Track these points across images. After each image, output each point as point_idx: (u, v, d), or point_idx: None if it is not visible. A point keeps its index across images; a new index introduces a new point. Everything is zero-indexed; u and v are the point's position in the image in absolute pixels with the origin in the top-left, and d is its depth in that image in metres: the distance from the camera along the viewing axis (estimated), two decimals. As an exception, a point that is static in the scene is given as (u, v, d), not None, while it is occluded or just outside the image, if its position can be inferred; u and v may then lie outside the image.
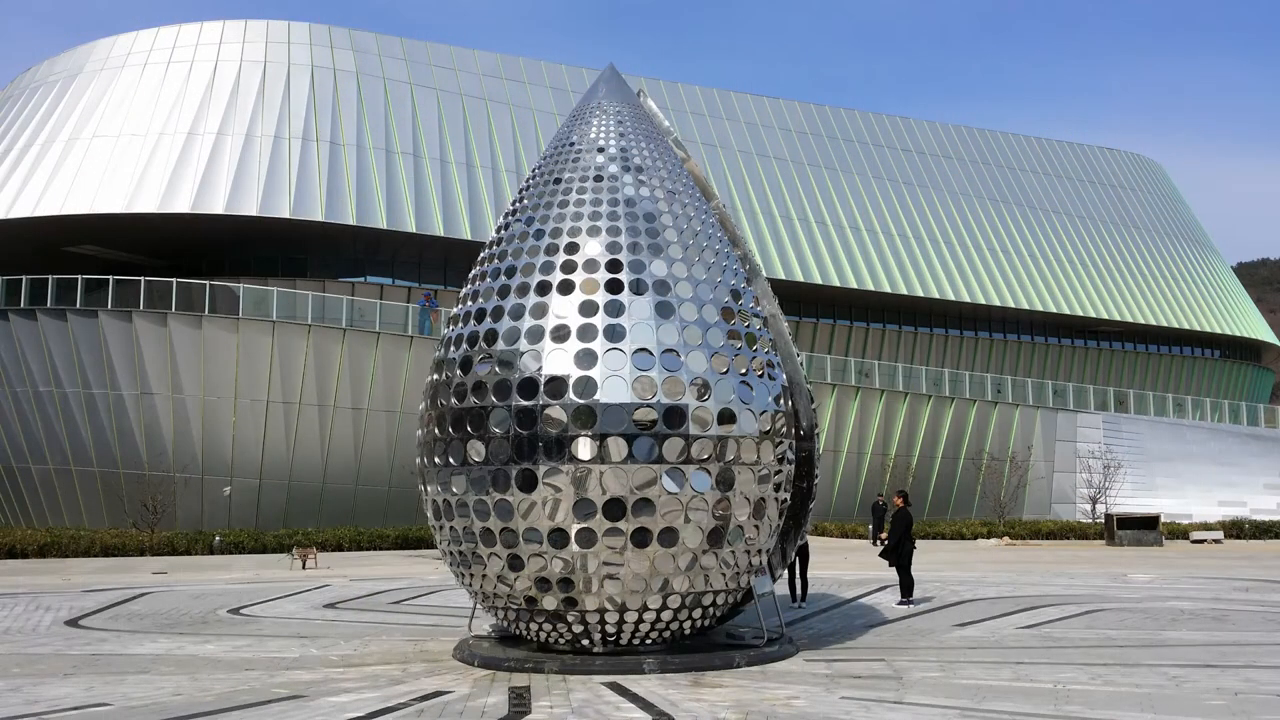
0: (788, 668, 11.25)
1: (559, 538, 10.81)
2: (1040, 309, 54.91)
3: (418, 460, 12.07)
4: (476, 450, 11.18)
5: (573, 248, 11.62)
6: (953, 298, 52.47)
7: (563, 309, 11.23)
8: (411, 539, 33.73)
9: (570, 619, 11.19)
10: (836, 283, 49.34)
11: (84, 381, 37.54)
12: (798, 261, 48.86)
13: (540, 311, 11.27)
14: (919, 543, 19.56)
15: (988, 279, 54.13)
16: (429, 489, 11.79)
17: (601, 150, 12.52)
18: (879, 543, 29.25)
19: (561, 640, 11.45)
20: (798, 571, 16.80)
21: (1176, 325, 59.95)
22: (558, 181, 12.32)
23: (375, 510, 38.00)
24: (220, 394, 37.35)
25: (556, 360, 10.97)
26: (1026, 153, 62.51)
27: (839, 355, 50.29)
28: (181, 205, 39.36)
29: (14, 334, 38.10)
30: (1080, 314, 56.32)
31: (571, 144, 12.68)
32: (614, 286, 11.33)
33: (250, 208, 39.68)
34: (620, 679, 10.56)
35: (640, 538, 10.77)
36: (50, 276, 38.25)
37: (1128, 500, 42.80)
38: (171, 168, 40.06)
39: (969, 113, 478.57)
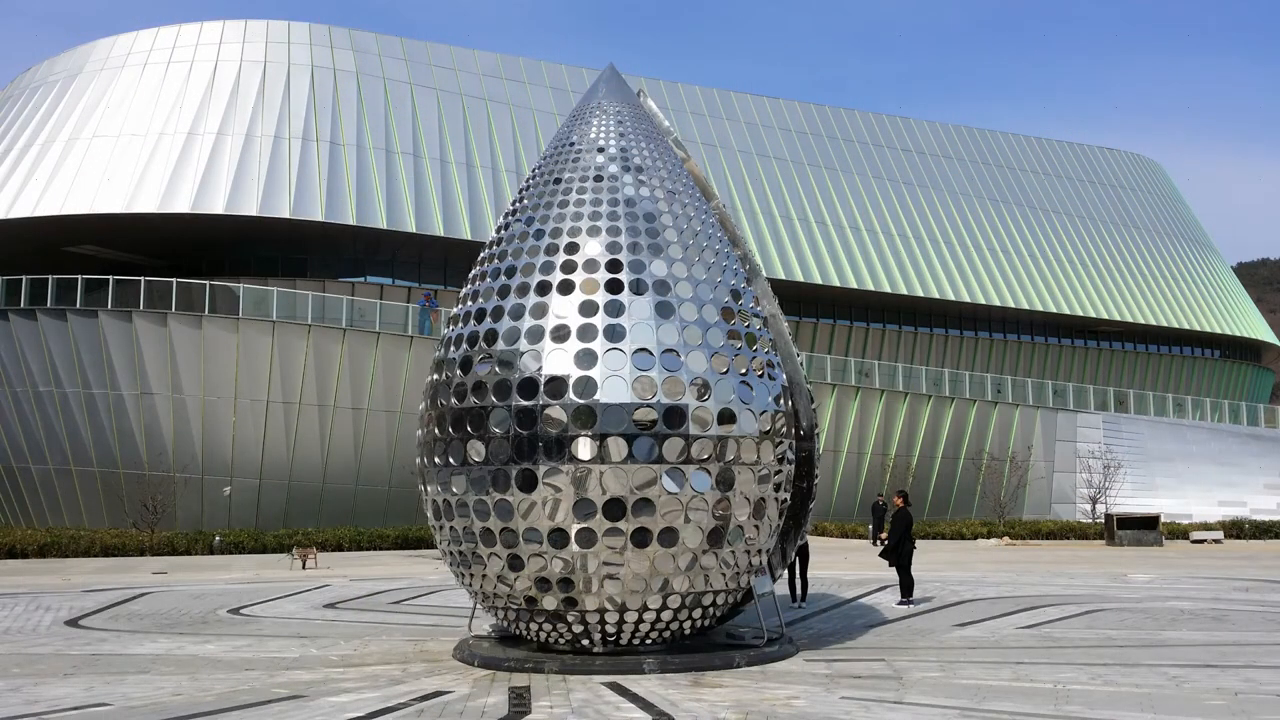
0: (788, 668, 11.25)
1: (559, 538, 10.80)
2: (1040, 309, 54.90)
3: (418, 460, 12.07)
4: (476, 450, 11.18)
5: (573, 248, 11.61)
6: (953, 298, 52.47)
7: (563, 309, 11.22)
8: (411, 539, 33.73)
9: (570, 619, 11.19)
10: (836, 283, 49.35)
11: (84, 381, 37.54)
12: (798, 261, 48.85)
13: (540, 311, 11.27)
14: (919, 543, 19.56)
15: (988, 279, 54.12)
16: (429, 489, 11.78)
17: (601, 150, 12.51)
18: (879, 543, 29.25)
19: (561, 640, 11.45)
20: (798, 571, 16.80)
21: (1176, 325, 59.95)
22: (558, 181, 12.31)
23: (375, 510, 38.01)
24: (220, 394, 37.36)
25: (556, 360, 10.97)
26: (1026, 153, 62.50)
27: (839, 355, 50.28)
28: (181, 205, 39.38)
29: (14, 334, 38.10)
30: (1080, 314, 56.32)
31: (571, 144, 12.67)
32: (614, 286, 11.33)
33: (250, 208, 39.69)
34: (620, 679, 10.55)
35: (640, 538, 10.76)
36: (50, 276, 38.25)
37: (1128, 500, 42.80)
38: (171, 168, 40.06)
39: (969, 113, 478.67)
